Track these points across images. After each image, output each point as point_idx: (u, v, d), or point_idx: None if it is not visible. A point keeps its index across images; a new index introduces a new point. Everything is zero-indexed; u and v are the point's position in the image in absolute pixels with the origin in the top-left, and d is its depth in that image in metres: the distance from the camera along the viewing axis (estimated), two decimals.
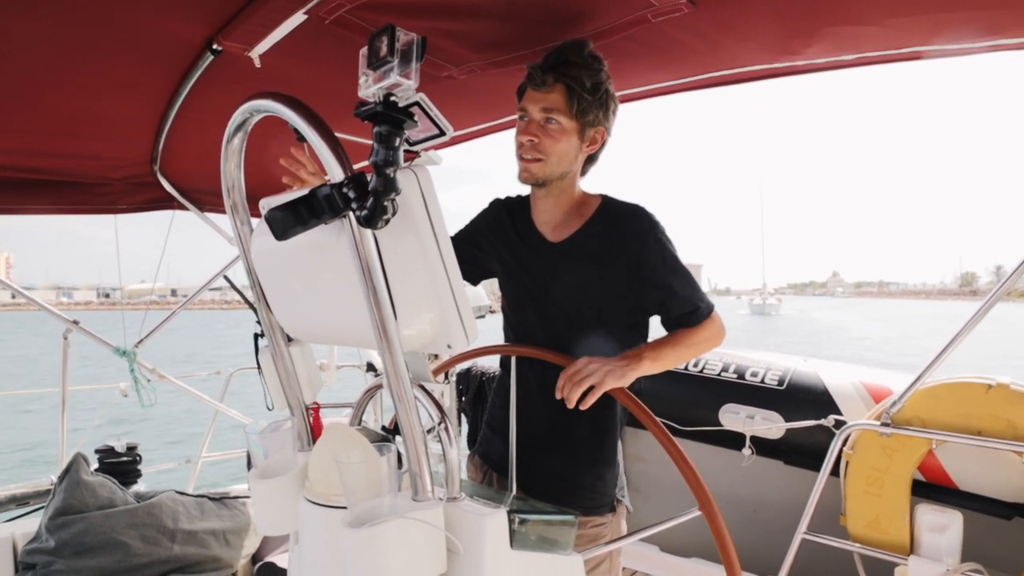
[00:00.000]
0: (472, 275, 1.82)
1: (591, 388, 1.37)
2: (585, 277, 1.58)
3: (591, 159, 1.61)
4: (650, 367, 1.46)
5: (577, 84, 1.47)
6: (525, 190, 1.70)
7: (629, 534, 1.31)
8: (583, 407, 1.37)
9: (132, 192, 2.74)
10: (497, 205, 1.79)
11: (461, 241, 1.78)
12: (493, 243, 1.75)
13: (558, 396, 1.39)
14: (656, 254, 1.53)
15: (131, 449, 2.76)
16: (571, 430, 1.60)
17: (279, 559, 2.58)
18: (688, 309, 1.55)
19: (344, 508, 0.97)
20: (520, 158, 1.54)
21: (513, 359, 1.50)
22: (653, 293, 1.56)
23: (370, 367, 3.94)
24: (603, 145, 1.59)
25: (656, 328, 1.67)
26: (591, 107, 1.49)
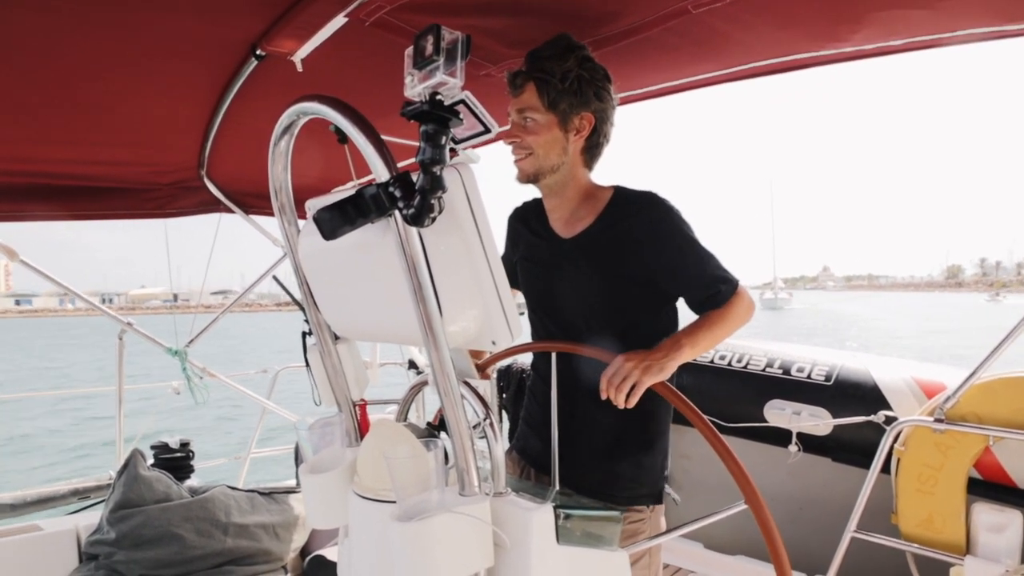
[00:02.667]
0: None
1: (634, 387, 1.36)
2: (602, 270, 1.56)
3: (591, 148, 1.59)
4: (690, 353, 1.43)
5: (546, 76, 1.48)
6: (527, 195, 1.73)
7: (672, 529, 1.30)
8: (629, 406, 1.36)
9: (180, 197, 2.82)
10: (512, 217, 1.82)
11: (507, 267, 1.82)
12: (518, 254, 1.78)
13: (603, 398, 1.38)
14: (674, 240, 1.52)
15: (184, 445, 2.85)
16: (606, 422, 1.60)
17: (328, 552, 2.63)
18: (714, 290, 1.52)
19: (393, 502, 0.99)
20: (514, 163, 1.57)
21: (553, 356, 1.50)
22: (676, 279, 1.54)
23: (412, 364, 3.98)
24: (598, 131, 1.57)
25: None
26: (563, 96, 1.48)
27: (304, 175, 2.71)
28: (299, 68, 1.69)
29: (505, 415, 3.57)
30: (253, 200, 3.01)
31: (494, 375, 3.38)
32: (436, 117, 0.87)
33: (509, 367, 3.60)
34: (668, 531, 1.35)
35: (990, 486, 2.33)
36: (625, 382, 1.34)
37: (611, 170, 1.71)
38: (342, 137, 0.92)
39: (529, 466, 1.76)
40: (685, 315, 1.62)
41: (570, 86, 1.48)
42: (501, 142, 1.61)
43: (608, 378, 1.36)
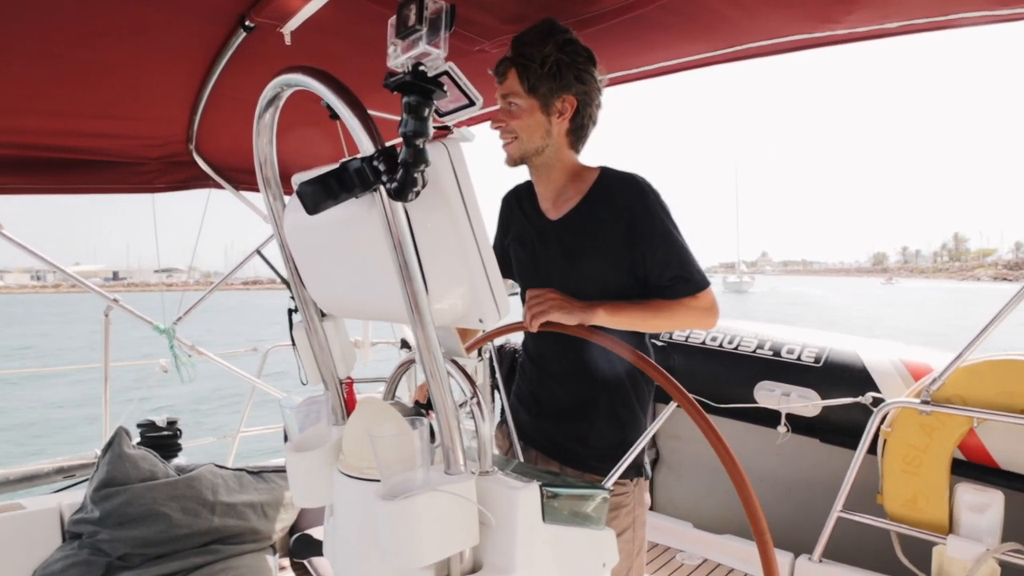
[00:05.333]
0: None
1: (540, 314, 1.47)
2: (585, 250, 1.60)
3: (576, 130, 1.61)
4: (604, 317, 1.46)
5: (525, 61, 1.52)
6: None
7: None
8: (532, 329, 1.47)
9: (168, 171, 2.78)
10: (506, 198, 1.85)
11: (497, 253, 1.84)
12: (510, 235, 1.81)
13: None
14: (648, 221, 1.54)
15: (171, 423, 2.83)
16: (592, 399, 1.65)
17: (315, 531, 2.64)
18: (669, 281, 1.54)
19: (378, 481, 0.98)
20: (502, 147, 1.62)
21: (521, 337, 1.54)
22: (642, 260, 1.56)
23: (404, 344, 3.97)
24: (582, 113, 1.59)
25: None
26: (542, 81, 1.52)
27: (297, 152, 2.68)
28: (288, 40, 1.66)
29: (498, 394, 3.58)
30: (242, 175, 2.97)
31: (487, 356, 3.38)
32: (418, 88, 0.84)
33: (502, 346, 3.60)
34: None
35: (973, 467, 2.36)
36: (538, 306, 1.46)
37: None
38: (334, 113, 0.90)
39: (519, 438, 1.81)
40: None
41: (549, 70, 1.51)
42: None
43: (529, 297, 1.49)
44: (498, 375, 2.19)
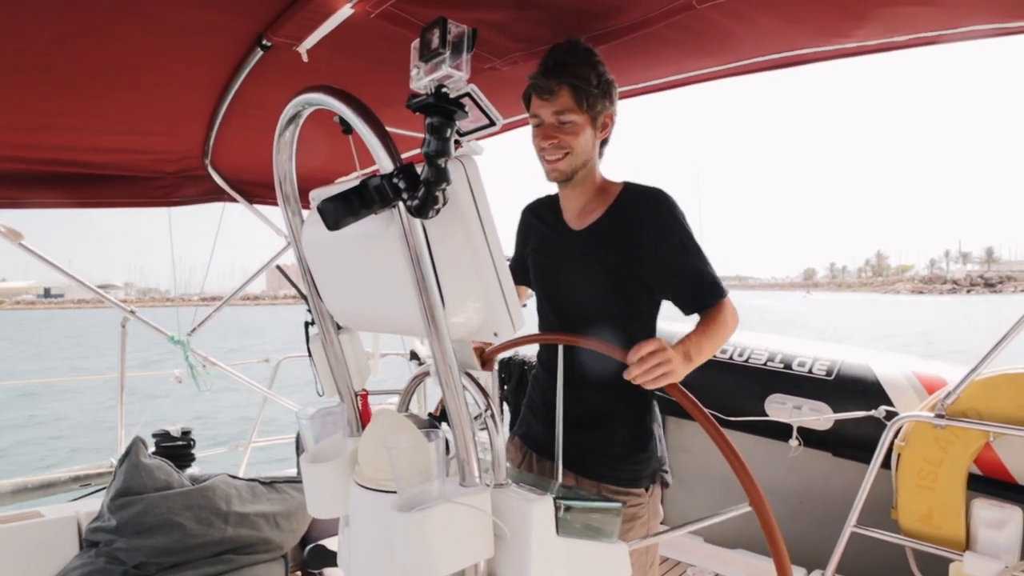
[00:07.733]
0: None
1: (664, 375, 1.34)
2: (607, 261, 1.61)
3: (605, 143, 1.68)
4: (695, 363, 1.47)
5: (582, 82, 1.53)
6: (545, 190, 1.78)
7: (675, 527, 1.29)
8: (652, 387, 1.35)
9: (184, 185, 2.82)
10: (525, 211, 1.87)
11: (517, 263, 1.87)
12: (529, 246, 1.82)
13: (627, 377, 1.34)
14: (673, 235, 1.56)
15: (186, 434, 2.86)
16: (607, 409, 1.66)
17: (328, 542, 2.65)
18: (708, 291, 1.57)
19: (393, 492, 0.99)
20: (545, 160, 1.61)
21: (560, 348, 1.50)
22: (670, 274, 1.58)
23: (413, 355, 3.99)
24: (613, 125, 1.65)
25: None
26: (598, 99, 1.56)
27: (308, 164, 2.71)
28: (305, 59, 1.69)
29: (506, 406, 3.58)
30: (257, 189, 3.01)
31: (496, 368, 3.39)
32: (441, 110, 0.87)
33: (510, 359, 3.61)
34: (669, 529, 1.34)
35: (990, 482, 2.33)
36: (659, 368, 1.31)
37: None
38: (347, 128, 0.92)
39: (531, 451, 1.81)
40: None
41: (601, 89, 1.56)
42: (505, 135, 1.63)
43: (645, 353, 1.31)
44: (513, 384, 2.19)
